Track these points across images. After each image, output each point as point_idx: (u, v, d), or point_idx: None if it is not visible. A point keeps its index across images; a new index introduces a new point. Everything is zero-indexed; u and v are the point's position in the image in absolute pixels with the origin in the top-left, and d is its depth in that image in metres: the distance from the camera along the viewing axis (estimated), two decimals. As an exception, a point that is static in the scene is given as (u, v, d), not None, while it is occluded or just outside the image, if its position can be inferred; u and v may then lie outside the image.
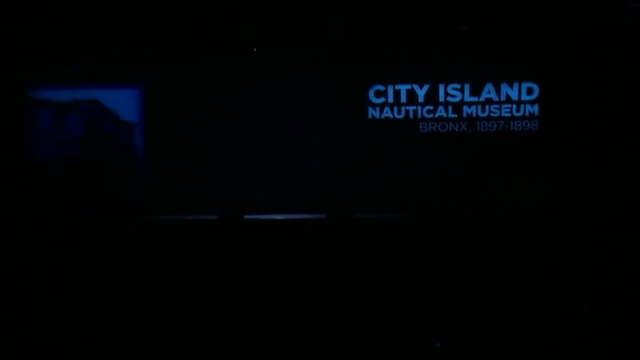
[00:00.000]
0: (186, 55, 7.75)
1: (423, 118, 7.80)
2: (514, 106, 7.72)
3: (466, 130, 7.72)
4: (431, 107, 7.80)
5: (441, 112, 7.80)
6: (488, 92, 7.75)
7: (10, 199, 7.75)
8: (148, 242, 5.58)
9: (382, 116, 7.83)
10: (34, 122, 7.95)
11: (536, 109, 7.66)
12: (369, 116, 7.83)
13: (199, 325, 3.53)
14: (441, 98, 7.80)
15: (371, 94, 7.85)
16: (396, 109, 7.82)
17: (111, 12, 7.35)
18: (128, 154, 8.01)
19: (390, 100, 7.84)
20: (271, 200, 7.62)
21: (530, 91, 7.70)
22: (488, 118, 7.72)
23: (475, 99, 7.76)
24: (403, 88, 7.81)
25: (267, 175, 7.76)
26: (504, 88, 7.72)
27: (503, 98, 7.72)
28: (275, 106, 7.84)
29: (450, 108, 7.78)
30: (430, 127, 7.77)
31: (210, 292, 4.15)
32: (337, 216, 6.96)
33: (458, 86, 7.77)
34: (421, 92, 7.82)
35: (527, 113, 7.68)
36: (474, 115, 7.73)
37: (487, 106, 7.73)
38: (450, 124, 7.76)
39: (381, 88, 7.84)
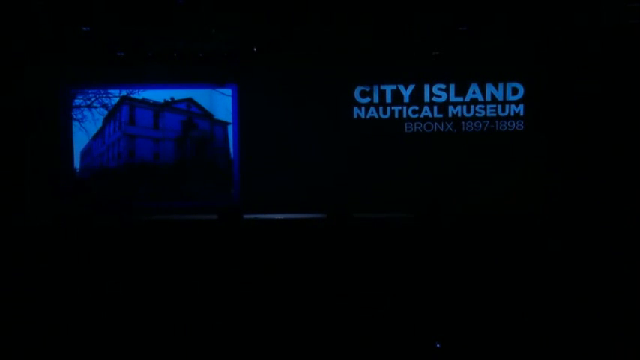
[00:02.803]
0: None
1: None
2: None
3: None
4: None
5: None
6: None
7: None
8: (147, 242, 5.55)
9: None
10: (132, 121, 8.11)
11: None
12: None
13: (199, 326, 3.47)
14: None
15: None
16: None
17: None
18: (222, 152, 8.05)
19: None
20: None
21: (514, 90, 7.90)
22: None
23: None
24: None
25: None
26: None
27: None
28: None
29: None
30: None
31: (209, 292, 4.12)
32: (338, 215, 6.73)
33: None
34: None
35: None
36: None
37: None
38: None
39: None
